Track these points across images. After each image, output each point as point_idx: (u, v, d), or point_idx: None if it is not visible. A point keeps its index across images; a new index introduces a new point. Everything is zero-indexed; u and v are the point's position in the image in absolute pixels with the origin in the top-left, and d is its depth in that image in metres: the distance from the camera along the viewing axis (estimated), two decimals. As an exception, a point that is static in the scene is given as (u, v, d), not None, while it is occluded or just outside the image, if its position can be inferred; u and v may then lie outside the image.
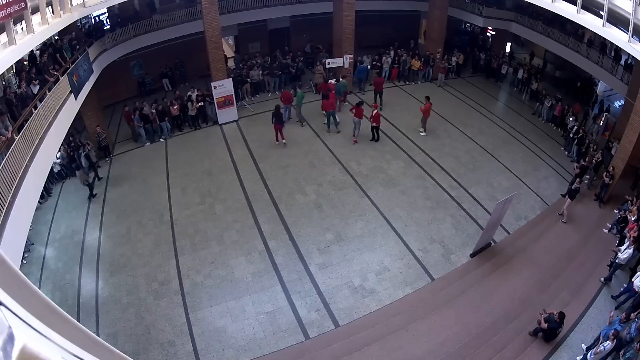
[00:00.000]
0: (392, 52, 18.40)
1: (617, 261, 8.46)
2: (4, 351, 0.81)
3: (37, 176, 7.22)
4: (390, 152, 13.14)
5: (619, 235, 9.61)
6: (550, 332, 7.11)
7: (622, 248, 8.49)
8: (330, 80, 15.66)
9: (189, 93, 14.69)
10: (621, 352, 6.25)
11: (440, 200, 11.09)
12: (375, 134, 13.69)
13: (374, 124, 13.42)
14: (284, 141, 13.47)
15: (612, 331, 6.36)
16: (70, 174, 12.76)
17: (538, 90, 16.83)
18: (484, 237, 9.29)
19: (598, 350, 6.35)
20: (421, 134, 14.25)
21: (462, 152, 13.25)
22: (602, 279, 8.70)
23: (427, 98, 14.12)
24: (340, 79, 15.63)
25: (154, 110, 13.85)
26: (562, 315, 6.98)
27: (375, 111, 13.37)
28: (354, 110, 13.27)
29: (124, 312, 8.24)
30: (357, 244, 9.65)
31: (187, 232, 10.14)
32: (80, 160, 12.01)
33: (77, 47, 11.50)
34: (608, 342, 6.31)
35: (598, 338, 6.94)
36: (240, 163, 12.75)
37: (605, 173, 10.88)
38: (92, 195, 11.74)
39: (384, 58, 17.96)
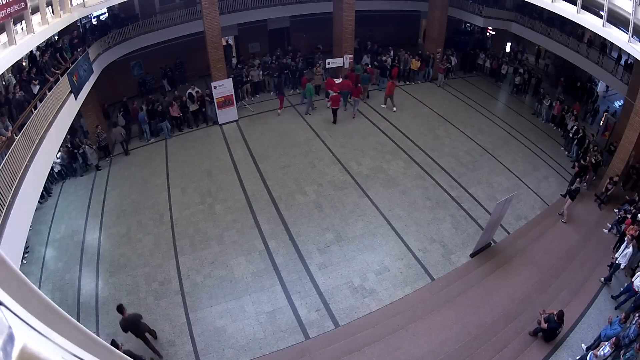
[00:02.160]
0: (392, 52, 18.42)
1: (617, 262, 8.46)
2: (4, 351, 0.81)
3: (37, 176, 7.23)
4: (390, 152, 13.15)
5: (618, 235, 9.62)
6: (550, 332, 7.11)
7: (621, 249, 8.49)
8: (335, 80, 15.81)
9: (189, 90, 14.69)
10: (622, 352, 6.25)
11: (440, 200, 11.09)
12: (333, 117, 14.58)
13: (331, 105, 14.33)
14: (279, 111, 15.34)
15: (614, 339, 6.36)
16: (71, 174, 12.79)
17: (520, 85, 17.48)
18: (484, 237, 9.29)
19: (598, 353, 6.35)
20: (393, 109, 15.38)
21: (462, 152, 13.25)
22: (602, 279, 8.71)
23: (391, 78, 15.94)
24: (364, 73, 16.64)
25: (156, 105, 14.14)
26: (561, 314, 6.96)
27: (333, 94, 14.14)
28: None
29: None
30: (357, 244, 9.64)
31: (187, 232, 10.14)
32: (117, 119, 13.88)
33: (79, 47, 11.49)
34: (608, 347, 6.31)
35: (598, 338, 6.94)
36: (240, 163, 12.75)
37: (608, 180, 10.80)
38: (126, 152, 13.53)
39: (384, 58, 17.97)
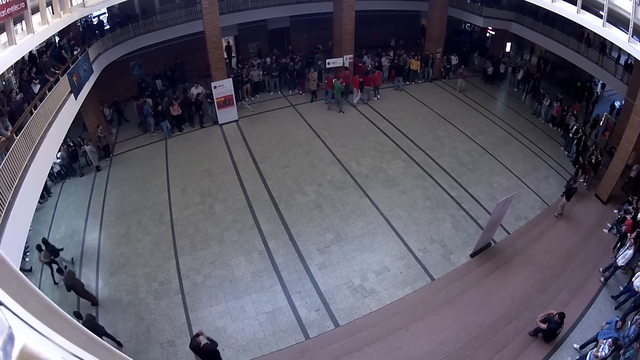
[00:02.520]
0: (391, 52, 18.42)
1: (616, 263, 8.45)
2: (4, 351, 0.81)
3: (37, 176, 7.22)
4: (390, 152, 13.15)
5: (619, 235, 9.62)
6: (550, 332, 7.11)
7: (622, 250, 8.48)
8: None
9: (192, 89, 14.98)
10: (621, 352, 6.25)
11: (440, 200, 11.09)
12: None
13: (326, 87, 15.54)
14: (301, 92, 16.83)
15: (611, 339, 6.36)
16: (70, 174, 12.79)
17: (523, 79, 17.64)
18: (484, 237, 9.29)
19: (598, 353, 6.36)
20: (377, 97, 16.31)
21: (462, 152, 13.26)
22: (602, 279, 8.71)
23: (378, 68, 16.99)
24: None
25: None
26: (562, 316, 6.97)
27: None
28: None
29: (124, 312, 8.24)
30: (357, 244, 9.64)
31: (187, 232, 10.14)
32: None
33: (76, 48, 11.49)
34: (607, 347, 6.30)
35: (594, 339, 6.94)
36: (240, 163, 12.75)
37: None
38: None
39: (383, 58, 17.97)
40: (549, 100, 15.34)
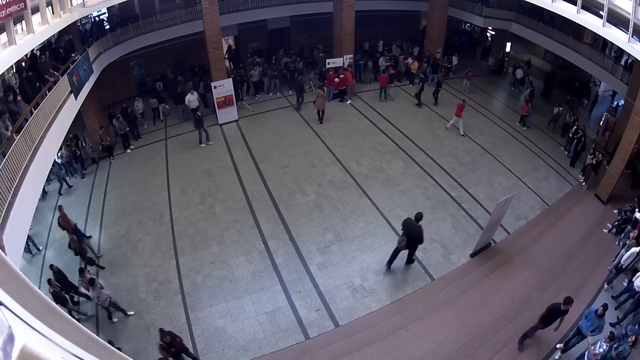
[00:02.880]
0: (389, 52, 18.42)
1: (620, 264, 8.40)
2: (4, 351, 0.81)
3: (37, 176, 7.22)
4: (390, 152, 13.14)
5: (619, 236, 9.59)
6: (549, 317, 6.86)
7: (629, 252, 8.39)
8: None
9: (189, 96, 15.01)
10: (614, 346, 6.23)
11: (440, 200, 11.08)
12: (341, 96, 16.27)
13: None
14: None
15: (608, 333, 6.34)
16: (71, 173, 12.79)
17: (523, 78, 17.78)
18: (484, 237, 9.28)
19: (596, 352, 6.35)
20: (348, 102, 16.35)
21: (462, 152, 13.26)
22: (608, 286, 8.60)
23: (349, 69, 16.49)
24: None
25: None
26: (568, 300, 6.57)
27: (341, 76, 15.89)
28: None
29: (124, 312, 8.23)
30: (357, 244, 9.64)
31: (187, 232, 10.14)
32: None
33: (76, 49, 11.49)
34: (604, 343, 6.28)
35: (578, 332, 6.87)
36: (240, 163, 12.75)
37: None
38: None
39: (381, 59, 17.96)
40: (527, 89, 15.39)
